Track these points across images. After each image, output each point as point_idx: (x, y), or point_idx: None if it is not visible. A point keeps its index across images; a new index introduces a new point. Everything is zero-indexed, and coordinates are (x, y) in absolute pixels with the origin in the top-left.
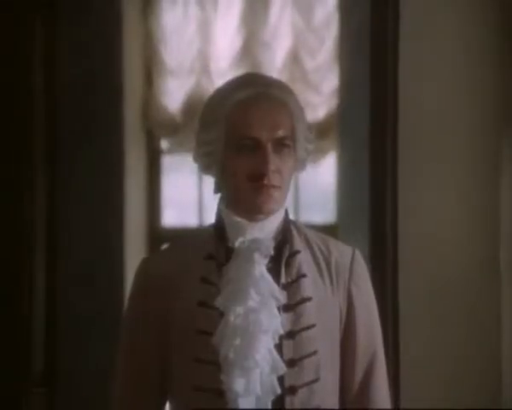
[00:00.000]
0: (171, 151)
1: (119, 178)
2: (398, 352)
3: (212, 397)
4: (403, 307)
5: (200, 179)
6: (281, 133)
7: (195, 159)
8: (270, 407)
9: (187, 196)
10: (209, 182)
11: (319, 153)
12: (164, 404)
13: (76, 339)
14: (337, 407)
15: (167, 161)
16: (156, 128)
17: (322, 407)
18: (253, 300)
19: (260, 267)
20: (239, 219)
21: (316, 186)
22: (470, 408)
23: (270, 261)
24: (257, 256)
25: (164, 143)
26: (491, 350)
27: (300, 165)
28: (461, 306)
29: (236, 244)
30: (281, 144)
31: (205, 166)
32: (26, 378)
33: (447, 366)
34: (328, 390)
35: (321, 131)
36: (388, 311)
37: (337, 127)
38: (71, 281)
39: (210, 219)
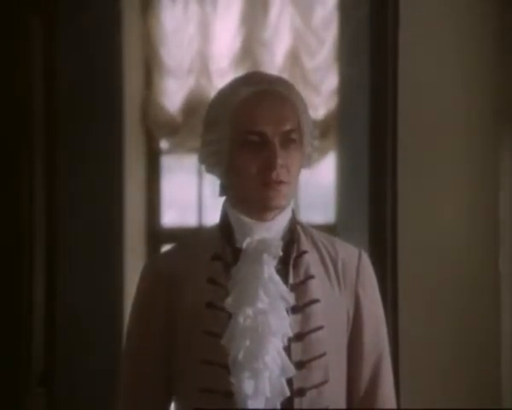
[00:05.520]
0: (170, 151)
1: (119, 179)
2: (398, 351)
3: (218, 399)
4: (402, 306)
5: (200, 179)
6: (287, 127)
7: (201, 160)
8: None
9: (186, 196)
10: (209, 182)
11: (319, 153)
12: (169, 405)
13: (76, 339)
14: (344, 407)
15: (167, 162)
16: (155, 128)
17: (331, 408)
18: (262, 301)
19: (269, 269)
20: (246, 219)
21: (315, 186)
22: (470, 408)
23: (278, 262)
24: (265, 257)
25: (163, 144)
26: (490, 350)
27: (307, 160)
28: (460, 305)
29: (244, 245)
30: (288, 139)
31: (211, 167)
32: (26, 378)
33: (447, 365)
34: (336, 392)
35: (321, 131)
36: (388, 310)
37: (337, 127)
38: (71, 281)
39: (210, 219)
